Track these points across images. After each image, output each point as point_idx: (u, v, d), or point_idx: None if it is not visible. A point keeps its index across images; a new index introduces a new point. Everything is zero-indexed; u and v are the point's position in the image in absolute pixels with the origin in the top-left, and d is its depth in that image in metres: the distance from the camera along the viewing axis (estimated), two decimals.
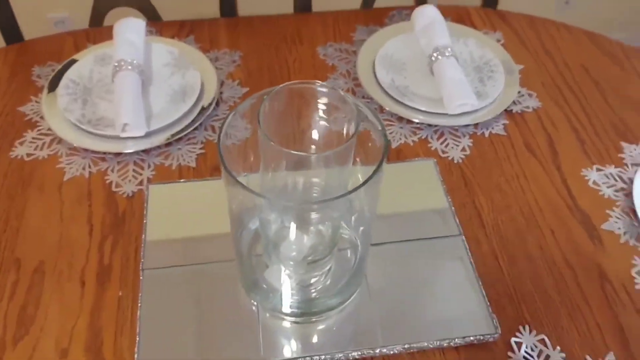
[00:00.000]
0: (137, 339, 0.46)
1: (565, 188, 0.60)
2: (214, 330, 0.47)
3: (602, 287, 0.52)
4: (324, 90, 0.43)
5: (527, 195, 0.59)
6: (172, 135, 0.62)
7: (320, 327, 0.48)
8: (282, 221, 0.47)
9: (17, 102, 0.67)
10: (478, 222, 0.56)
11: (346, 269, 0.49)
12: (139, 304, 0.48)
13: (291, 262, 0.47)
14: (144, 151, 0.61)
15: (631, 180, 0.59)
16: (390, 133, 0.64)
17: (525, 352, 0.47)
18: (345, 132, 0.45)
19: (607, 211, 0.57)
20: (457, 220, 0.55)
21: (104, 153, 0.61)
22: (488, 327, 0.47)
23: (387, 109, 0.66)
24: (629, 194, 0.58)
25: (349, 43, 0.76)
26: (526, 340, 0.48)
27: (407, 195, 0.57)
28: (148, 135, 0.61)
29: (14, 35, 0.79)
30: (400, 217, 0.55)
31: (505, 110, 0.67)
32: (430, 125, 0.65)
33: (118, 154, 0.61)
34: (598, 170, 0.61)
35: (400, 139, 0.64)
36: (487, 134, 0.65)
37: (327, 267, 0.49)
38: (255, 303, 0.49)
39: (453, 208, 0.56)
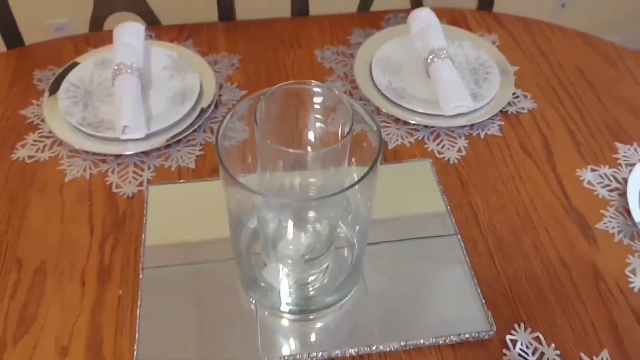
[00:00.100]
0: (137, 337, 0.47)
1: (560, 188, 0.60)
2: (213, 329, 0.48)
3: (597, 286, 0.52)
4: (320, 90, 0.44)
5: (523, 195, 0.60)
6: (172, 137, 0.63)
7: (318, 325, 0.49)
8: (279, 220, 0.48)
9: (18, 106, 0.67)
10: (474, 222, 0.57)
11: (343, 268, 0.50)
12: (139, 303, 0.49)
13: (289, 261, 0.48)
14: (144, 153, 0.62)
15: (625, 180, 0.60)
16: (387, 134, 0.65)
17: (520, 349, 0.48)
18: (341, 133, 0.46)
19: (602, 211, 0.58)
20: (453, 220, 0.56)
21: (105, 155, 0.62)
22: (483, 325, 0.48)
23: (384, 110, 0.67)
24: (623, 194, 0.59)
25: (346, 46, 0.77)
26: (521, 338, 0.48)
27: (403, 195, 0.58)
28: (148, 137, 0.62)
29: (14, 40, 0.80)
30: (396, 217, 0.56)
31: (501, 111, 0.68)
32: (426, 126, 0.66)
33: (118, 156, 0.62)
34: (592, 170, 0.62)
35: (397, 140, 0.65)
36: (482, 135, 0.66)
37: (325, 265, 0.49)
38: (253, 301, 0.49)
39: (449, 208, 0.57)
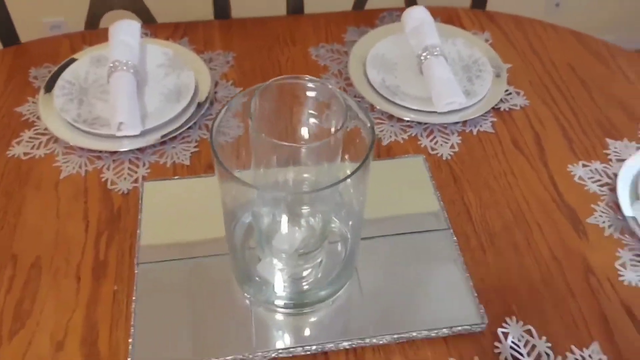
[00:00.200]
0: (132, 331, 0.47)
1: (552, 183, 0.61)
2: (208, 323, 0.48)
3: (587, 279, 0.53)
4: (313, 85, 0.45)
5: (515, 190, 0.60)
6: (167, 134, 0.63)
7: (312, 319, 0.49)
8: (274, 215, 0.48)
9: (14, 103, 0.68)
10: (466, 217, 0.57)
11: (337, 262, 0.51)
12: (134, 298, 0.49)
13: (283, 255, 0.49)
14: (139, 149, 0.62)
15: (616, 176, 0.61)
16: (381, 131, 0.66)
17: (512, 342, 0.48)
18: (334, 129, 0.46)
19: (593, 205, 0.59)
20: (446, 215, 0.56)
21: (100, 152, 0.62)
22: (476, 318, 0.49)
23: (378, 107, 0.67)
24: (613, 189, 0.60)
25: (341, 44, 0.77)
26: (513, 331, 0.49)
27: (396, 191, 0.59)
28: (143, 134, 0.62)
29: (10, 39, 0.80)
30: (390, 212, 0.56)
31: (493, 108, 0.68)
32: (420, 123, 0.66)
33: (113, 153, 0.62)
34: (584, 166, 0.63)
35: (391, 136, 0.65)
36: (475, 131, 0.66)
37: (318, 260, 0.50)
38: (248, 296, 0.50)
39: (442, 203, 0.57)
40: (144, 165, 0.61)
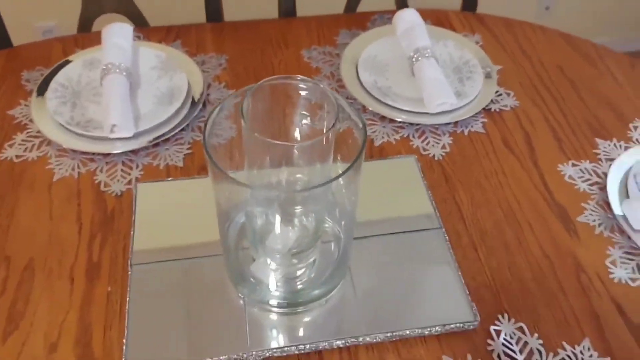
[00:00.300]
0: (126, 332, 0.47)
1: (542, 183, 0.62)
2: (202, 323, 0.48)
3: (578, 277, 0.54)
4: (305, 85, 0.45)
5: (506, 190, 0.61)
6: (160, 136, 0.63)
7: (306, 318, 0.49)
8: (267, 215, 0.49)
9: (6, 106, 0.68)
10: (458, 216, 0.58)
11: (330, 261, 0.51)
12: (128, 299, 0.49)
13: (277, 255, 0.49)
14: (132, 152, 0.62)
15: (605, 175, 0.61)
16: (373, 132, 0.66)
17: (504, 339, 0.49)
18: (327, 129, 0.46)
19: (583, 204, 0.60)
20: (438, 214, 0.57)
21: (93, 154, 0.62)
22: (468, 316, 0.49)
23: (370, 109, 0.68)
24: (603, 188, 0.60)
25: (333, 46, 0.78)
26: (505, 328, 0.49)
27: (389, 190, 0.59)
28: (136, 136, 0.63)
29: (3, 43, 0.80)
30: (382, 212, 0.57)
31: (484, 109, 0.69)
32: (411, 124, 0.67)
33: (107, 155, 0.62)
34: (574, 165, 0.64)
35: (383, 137, 0.66)
36: (466, 132, 0.67)
37: (312, 259, 0.50)
38: (242, 296, 0.50)
39: (434, 203, 0.58)
40: (137, 167, 0.61)
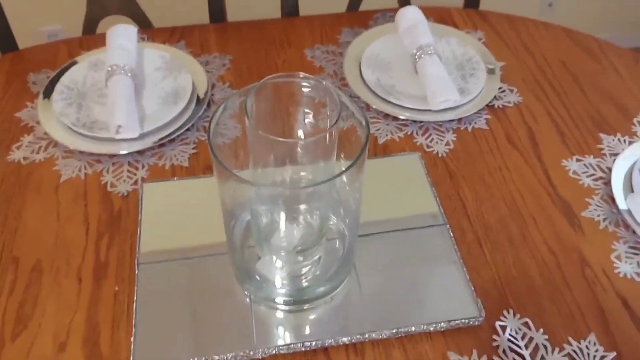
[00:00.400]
0: (134, 331, 0.48)
1: (547, 178, 0.62)
2: (209, 321, 0.48)
3: (583, 272, 0.54)
4: (307, 82, 0.45)
5: (510, 186, 0.61)
6: (166, 136, 0.64)
7: (312, 315, 0.50)
8: (272, 213, 0.49)
9: (13, 109, 0.68)
10: (462, 212, 0.58)
11: (335, 259, 0.51)
12: (135, 298, 0.50)
13: (282, 252, 0.49)
14: (138, 152, 0.63)
15: (609, 170, 0.61)
16: (377, 130, 0.66)
17: (510, 335, 0.49)
18: (329, 126, 0.47)
19: (587, 199, 0.60)
20: (442, 211, 0.57)
21: (99, 155, 0.62)
22: (473, 312, 0.49)
23: (373, 107, 0.68)
24: (607, 183, 0.60)
25: (336, 45, 0.78)
26: (510, 324, 0.49)
27: (393, 188, 0.59)
28: (142, 136, 0.63)
29: (9, 47, 0.81)
30: (387, 209, 0.57)
31: (487, 105, 0.69)
32: (415, 121, 0.67)
33: (113, 156, 0.62)
34: (578, 160, 0.64)
35: (387, 135, 0.66)
36: (470, 128, 0.67)
37: (317, 257, 0.50)
38: (248, 293, 0.50)
39: (438, 199, 0.58)
40: (143, 167, 0.62)
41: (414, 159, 0.62)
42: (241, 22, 0.82)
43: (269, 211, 0.49)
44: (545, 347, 0.48)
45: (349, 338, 0.48)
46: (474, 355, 0.47)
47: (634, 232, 0.56)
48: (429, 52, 0.70)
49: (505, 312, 0.50)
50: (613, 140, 0.66)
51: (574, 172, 0.62)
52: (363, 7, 0.90)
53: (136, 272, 0.52)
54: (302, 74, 0.44)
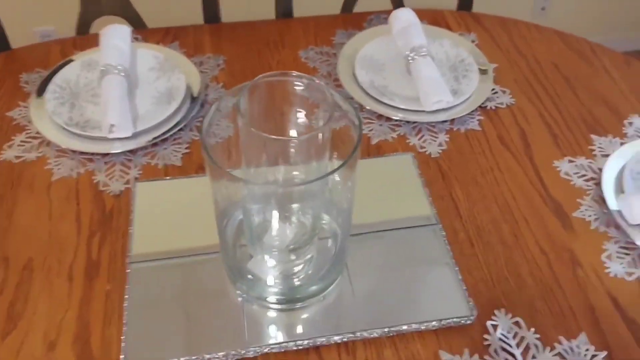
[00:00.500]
0: (125, 329, 0.47)
1: (538, 179, 0.62)
2: (200, 320, 0.48)
3: (574, 272, 0.54)
4: (300, 81, 0.45)
5: (502, 186, 0.61)
6: (158, 136, 0.64)
7: (304, 314, 0.50)
8: (264, 212, 0.49)
9: (5, 108, 0.68)
10: (455, 212, 0.58)
11: (327, 258, 0.51)
12: (126, 297, 0.49)
13: (275, 251, 0.49)
14: (131, 151, 0.63)
15: (601, 170, 0.62)
16: (370, 130, 0.67)
17: (501, 334, 0.49)
18: (322, 124, 0.47)
19: (578, 200, 0.60)
20: (435, 210, 0.57)
21: (92, 154, 0.62)
22: (465, 311, 0.49)
23: (367, 107, 0.68)
24: (598, 183, 0.61)
25: (330, 46, 0.78)
26: (502, 323, 0.50)
27: (386, 188, 0.59)
28: (135, 136, 0.63)
29: (2, 46, 0.80)
30: (379, 209, 0.57)
31: (480, 106, 0.69)
32: (408, 122, 0.67)
33: (105, 155, 0.62)
34: (569, 161, 0.64)
35: (380, 135, 0.66)
36: (462, 129, 0.67)
37: (309, 256, 0.50)
38: (240, 292, 0.50)
39: (430, 199, 0.58)
40: (135, 166, 0.62)
41: (406, 160, 0.62)
42: (235, 22, 0.82)
43: (261, 210, 0.49)
44: (536, 346, 0.48)
45: (341, 337, 0.48)
46: (466, 355, 0.47)
47: (624, 232, 0.56)
48: (422, 53, 0.70)
49: (496, 312, 0.50)
50: (604, 141, 0.66)
51: (566, 173, 0.63)
52: (357, 8, 0.90)
53: (128, 271, 0.51)
54: (295, 73, 0.44)
